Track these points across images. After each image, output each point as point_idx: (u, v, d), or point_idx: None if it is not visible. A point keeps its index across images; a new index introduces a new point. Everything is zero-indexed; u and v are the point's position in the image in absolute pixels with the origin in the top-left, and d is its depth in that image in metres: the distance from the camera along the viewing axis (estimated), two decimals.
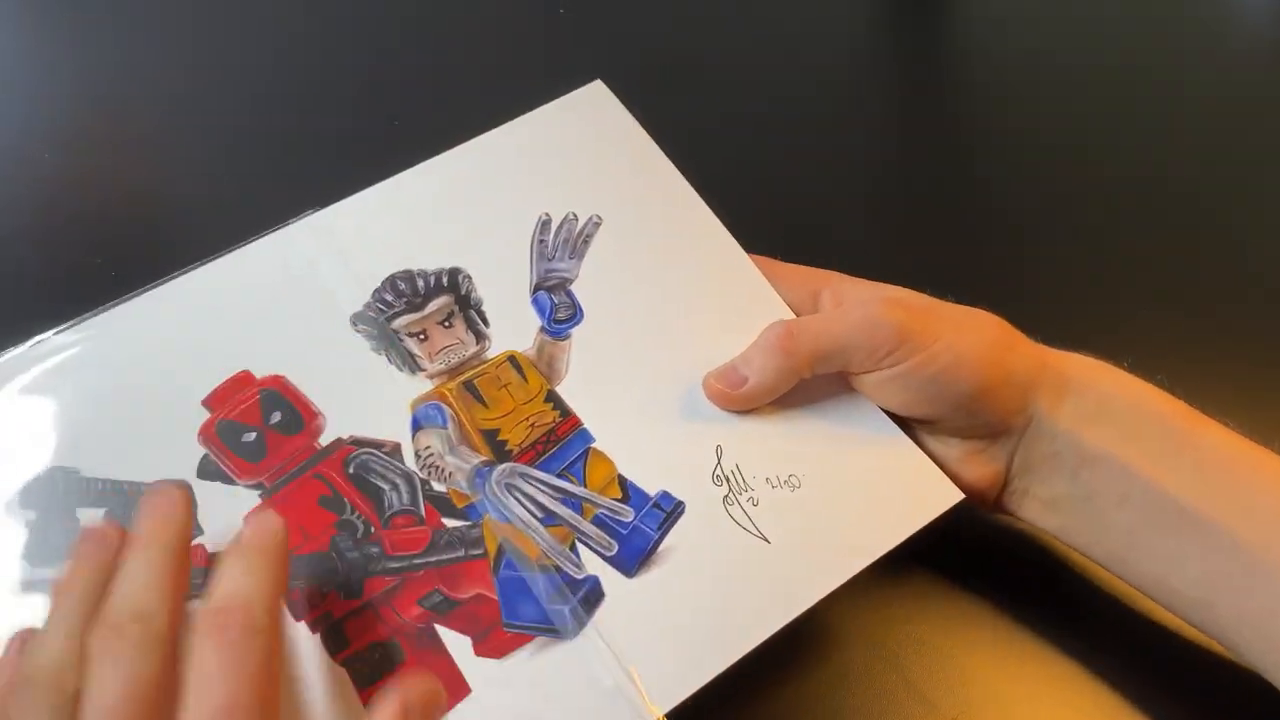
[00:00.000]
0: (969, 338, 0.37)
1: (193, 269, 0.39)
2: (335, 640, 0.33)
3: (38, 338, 0.37)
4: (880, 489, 0.37)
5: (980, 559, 0.42)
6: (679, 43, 0.63)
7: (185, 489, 0.33)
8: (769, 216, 0.54)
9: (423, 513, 0.36)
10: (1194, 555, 0.35)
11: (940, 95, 0.63)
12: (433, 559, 0.35)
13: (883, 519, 0.37)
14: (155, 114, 0.59)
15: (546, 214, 0.42)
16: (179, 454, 0.35)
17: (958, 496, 0.37)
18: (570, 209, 0.42)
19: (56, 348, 0.37)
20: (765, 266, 0.41)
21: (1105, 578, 0.40)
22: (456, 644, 0.34)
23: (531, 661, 0.33)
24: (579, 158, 0.43)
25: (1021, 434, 0.38)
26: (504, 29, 0.63)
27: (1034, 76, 0.61)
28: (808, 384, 0.38)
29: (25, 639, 0.30)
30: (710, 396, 0.38)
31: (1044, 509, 0.39)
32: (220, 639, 0.28)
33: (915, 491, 0.37)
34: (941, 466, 0.38)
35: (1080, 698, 0.39)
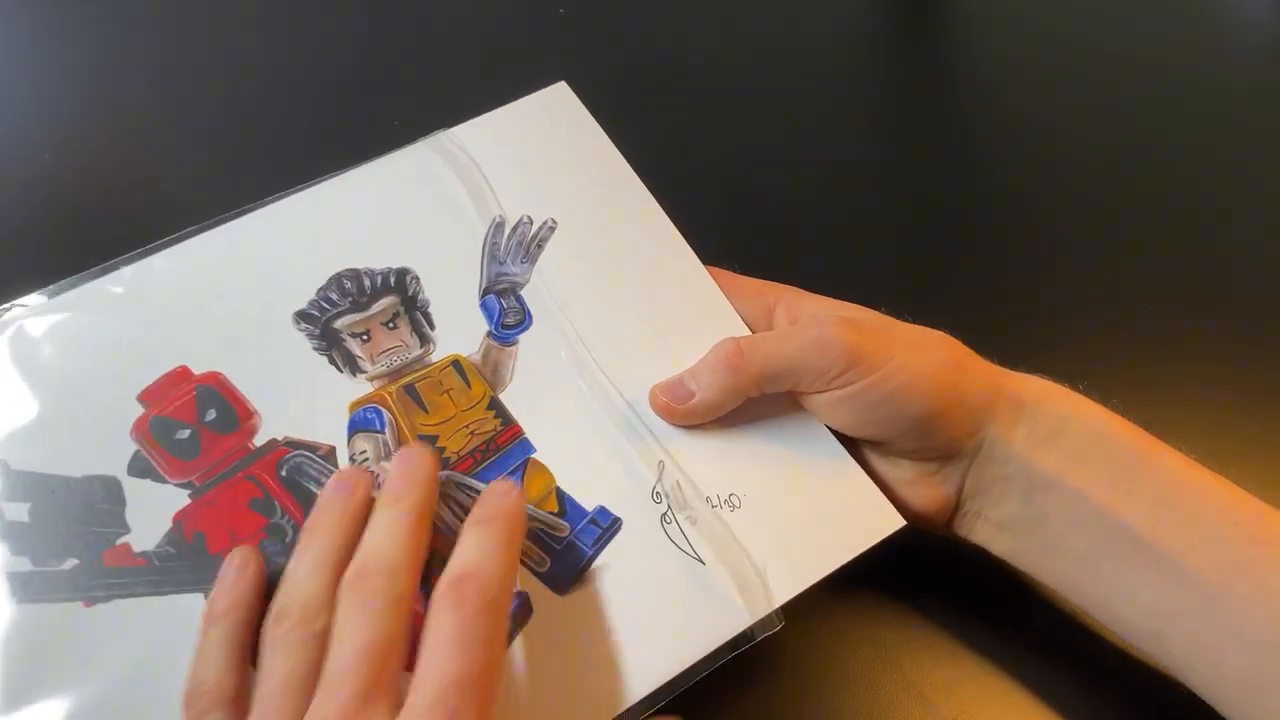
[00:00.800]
0: (922, 359, 0.36)
1: (135, 258, 0.38)
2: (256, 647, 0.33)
3: None
4: (821, 513, 0.36)
5: (981, 559, 0.41)
6: (679, 42, 0.62)
7: (435, 454, 0.35)
8: (768, 216, 0.53)
9: None
10: (1145, 583, 0.35)
11: (939, 96, 0.61)
12: None
13: (821, 544, 0.36)
14: (155, 114, 0.59)
15: (501, 216, 0.41)
16: (111, 449, 0.35)
17: (899, 523, 0.36)
18: (526, 211, 0.41)
19: None
20: (720, 279, 0.41)
21: None
22: None
23: None
24: (538, 160, 0.42)
25: (973, 457, 0.37)
26: (503, 29, 0.63)
27: (1033, 77, 0.60)
28: (756, 402, 0.38)
29: (245, 560, 0.33)
30: (655, 409, 0.38)
31: (995, 532, 0.38)
32: (459, 611, 0.29)
33: (857, 516, 0.36)
34: (892, 488, 0.37)
35: (1077, 699, 0.39)
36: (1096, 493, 0.35)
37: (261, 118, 0.58)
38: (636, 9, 0.64)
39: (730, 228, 0.51)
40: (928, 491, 0.38)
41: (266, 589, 0.32)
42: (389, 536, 0.31)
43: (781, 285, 0.40)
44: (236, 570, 0.33)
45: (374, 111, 0.57)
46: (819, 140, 0.57)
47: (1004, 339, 0.44)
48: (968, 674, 0.39)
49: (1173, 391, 0.47)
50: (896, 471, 0.38)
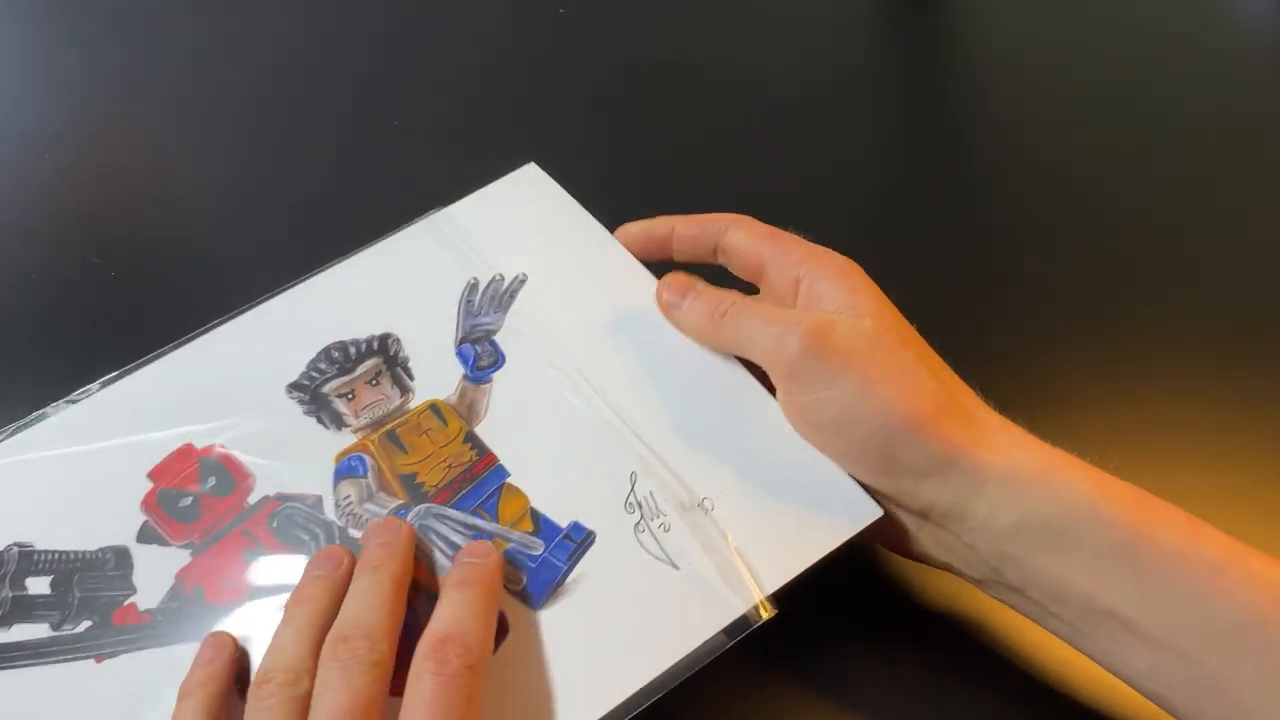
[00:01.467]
0: (865, 404, 0.34)
1: (149, 361, 0.42)
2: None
3: (10, 429, 0.41)
4: (798, 508, 0.36)
5: None
6: (678, 42, 0.63)
7: (409, 526, 0.36)
8: (766, 215, 0.52)
9: None
10: (1141, 656, 0.32)
11: (937, 97, 0.62)
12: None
13: (797, 538, 0.35)
14: (155, 114, 0.61)
15: (475, 278, 0.43)
16: (122, 522, 0.38)
17: (877, 513, 0.35)
18: (499, 271, 0.43)
19: (28, 439, 0.40)
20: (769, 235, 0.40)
21: None
22: None
23: None
24: (511, 231, 0.45)
25: (926, 516, 0.35)
26: (503, 29, 0.64)
27: (1033, 78, 0.60)
28: (725, 402, 0.38)
29: (220, 643, 0.34)
30: (656, 293, 0.41)
31: (977, 583, 0.36)
32: (441, 673, 0.30)
33: (832, 509, 0.35)
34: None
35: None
36: (1077, 578, 0.32)
37: (272, 123, 0.59)
38: (636, 9, 0.65)
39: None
40: (892, 525, 0.36)
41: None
42: (367, 603, 0.33)
43: (782, 239, 0.39)
44: (212, 650, 0.34)
45: (374, 107, 0.58)
46: (820, 140, 0.57)
47: (1003, 338, 0.43)
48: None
49: (1172, 391, 0.45)
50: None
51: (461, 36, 0.64)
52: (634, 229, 0.42)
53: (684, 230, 0.41)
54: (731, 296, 0.38)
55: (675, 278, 0.40)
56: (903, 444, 0.34)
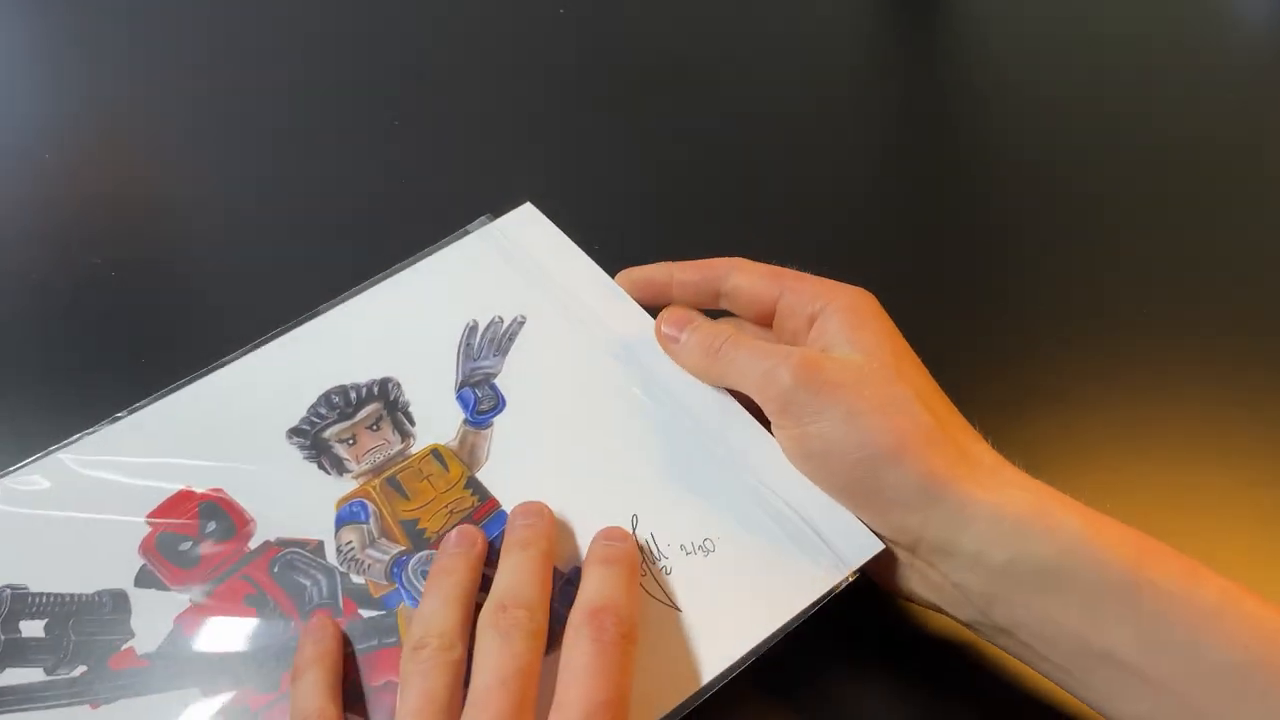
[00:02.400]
0: (851, 436, 0.34)
1: (149, 404, 0.42)
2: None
3: (8, 471, 0.40)
4: (796, 544, 0.36)
5: None
6: (678, 42, 0.63)
7: (550, 509, 0.38)
8: (766, 215, 0.54)
9: (340, 605, 0.36)
10: (1138, 700, 0.32)
11: (938, 98, 0.62)
12: (346, 649, 0.35)
13: (798, 576, 0.35)
14: (155, 114, 0.61)
15: (474, 320, 0.44)
16: (120, 566, 0.38)
17: (878, 547, 0.36)
18: (497, 314, 0.44)
19: (25, 483, 0.40)
20: (733, 264, 0.41)
21: None
22: None
23: None
24: (507, 272, 0.45)
25: (913, 550, 0.35)
26: (503, 29, 0.64)
27: (1033, 78, 0.61)
28: (724, 440, 0.39)
29: (324, 620, 0.36)
30: (655, 326, 0.41)
31: (968, 623, 0.36)
32: (600, 639, 0.32)
33: (833, 545, 0.36)
34: None
35: None
36: (1071, 619, 0.32)
37: (271, 122, 0.59)
38: (636, 9, 0.65)
39: (728, 225, 0.51)
40: (882, 560, 0.36)
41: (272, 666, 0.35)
42: (521, 576, 0.34)
43: (791, 277, 0.40)
44: (317, 629, 0.36)
45: (374, 103, 0.58)
46: (820, 140, 0.58)
47: (1005, 336, 0.43)
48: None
49: (1168, 391, 0.45)
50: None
51: (461, 37, 0.64)
52: (634, 275, 0.43)
53: (683, 277, 0.42)
54: (726, 331, 0.39)
55: (673, 312, 0.41)
56: (887, 474, 0.34)
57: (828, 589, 0.35)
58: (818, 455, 0.36)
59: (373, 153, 0.58)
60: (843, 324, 0.37)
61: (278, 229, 0.55)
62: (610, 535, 0.36)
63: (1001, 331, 0.48)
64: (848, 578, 0.35)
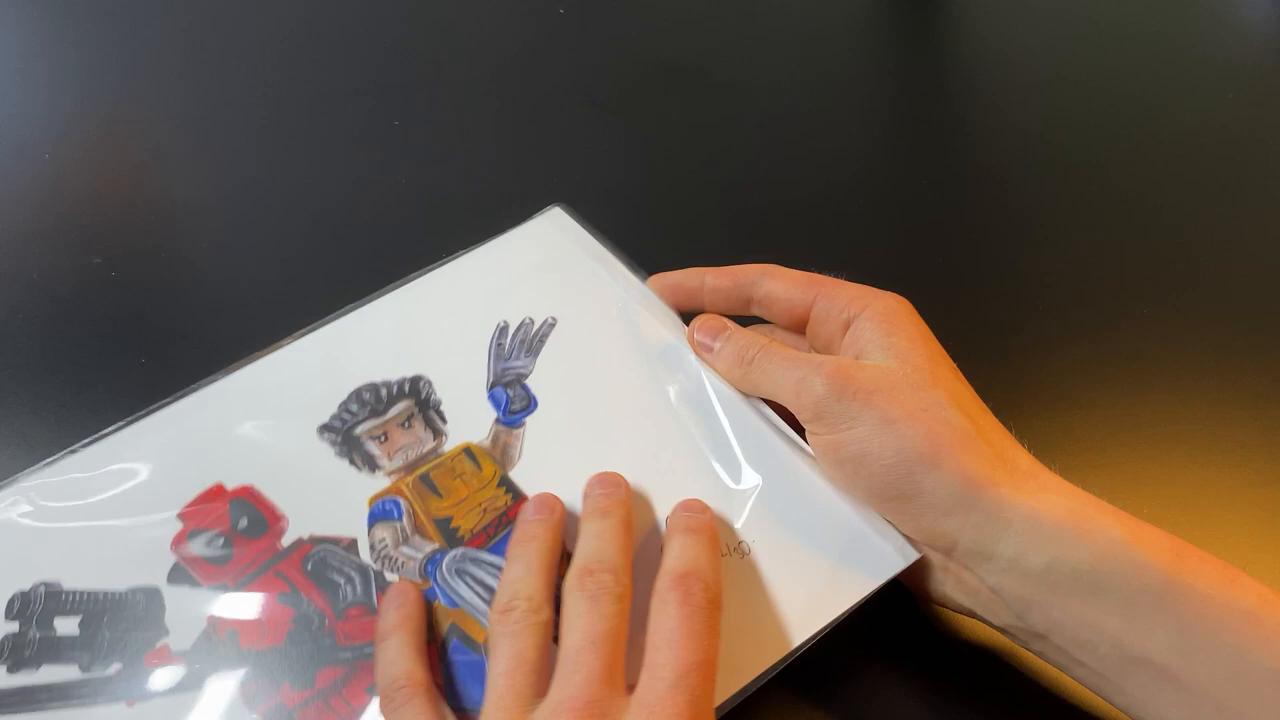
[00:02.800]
0: (886, 441, 0.34)
1: (178, 399, 0.42)
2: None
3: (28, 473, 0.40)
4: (831, 551, 0.36)
5: None
6: (678, 43, 0.63)
7: (625, 480, 0.38)
8: (766, 214, 0.54)
9: (375, 603, 0.36)
10: (1175, 707, 0.31)
11: (938, 98, 0.62)
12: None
13: (834, 582, 0.35)
14: (155, 114, 0.61)
15: (505, 321, 0.44)
16: (153, 563, 0.37)
17: (913, 556, 0.36)
18: (528, 315, 0.44)
19: (58, 478, 0.40)
20: (766, 271, 0.41)
21: None
22: None
23: None
24: (538, 275, 0.45)
25: (949, 553, 0.35)
26: (503, 29, 0.64)
27: (1033, 78, 0.61)
28: (757, 446, 0.39)
29: (407, 587, 0.36)
30: (689, 333, 0.41)
31: (1004, 629, 0.36)
32: (688, 603, 0.32)
33: (868, 553, 0.36)
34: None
35: None
36: (1109, 624, 0.32)
37: (270, 122, 0.59)
38: (636, 10, 0.65)
39: (727, 224, 0.51)
40: (918, 566, 0.36)
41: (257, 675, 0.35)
42: (605, 542, 0.35)
43: (826, 283, 0.40)
44: (399, 594, 0.36)
45: (377, 110, 0.58)
46: (821, 139, 0.58)
47: (1003, 338, 0.43)
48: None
49: (1170, 391, 0.46)
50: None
51: (461, 37, 0.64)
52: (665, 280, 0.43)
53: (715, 283, 0.42)
54: (760, 341, 0.39)
55: (706, 320, 0.41)
56: (923, 479, 0.34)
57: (863, 595, 0.35)
58: (852, 461, 0.35)
59: (372, 153, 0.58)
60: (877, 330, 0.37)
61: (277, 229, 0.55)
62: (690, 507, 0.37)
63: (1001, 331, 0.48)
64: (883, 584, 0.36)
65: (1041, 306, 0.49)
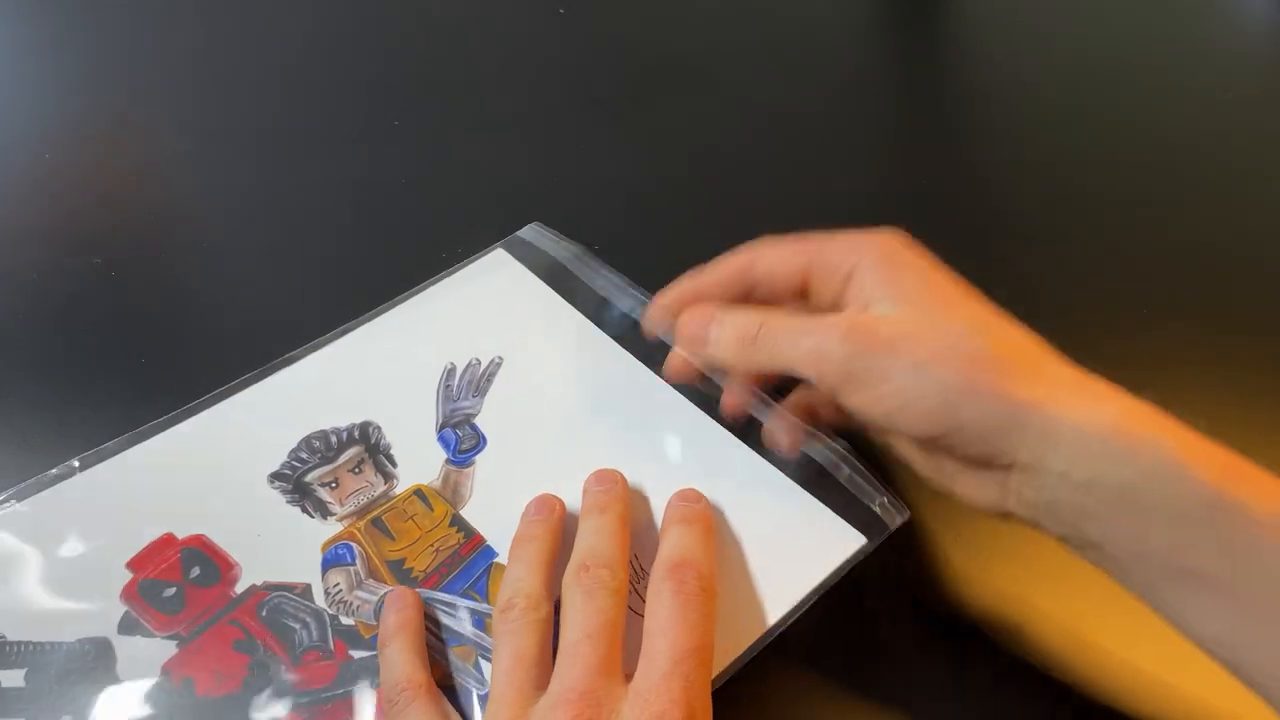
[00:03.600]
0: (922, 384, 0.34)
1: (124, 449, 0.42)
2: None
3: None
4: (779, 544, 0.38)
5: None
6: (679, 43, 0.64)
7: (623, 476, 0.40)
8: (765, 214, 0.53)
9: (331, 647, 0.37)
10: (1220, 617, 0.31)
11: (938, 98, 0.63)
12: (339, 690, 0.36)
13: (783, 574, 0.38)
14: (155, 113, 0.61)
15: (452, 363, 0.45)
16: (102, 613, 0.37)
17: (859, 542, 0.38)
18: (474, 356, 0.45)
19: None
20: (798, 243, 0.39)
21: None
22: None
23: None
24: (482, 316, 0.47)
25: (1007, 472, 0.34)
26: (503, 29, 0.65)
27: (1033, 79, 0.62)
28: (706, 461, 0.41)
29: (404, 592, 0.37)
30: (679, 338, 0.39)
31: (1058, 540, 0.35)
32: (683, 592, 0.34)
33: (816, 542, 0.38)
34: (936, 479, 0.37)
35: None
36: (1156, 538, 0.31)
37: (271, 122, 0.59)
38: (636, 10, 0.66)
39: (727, 224, 0.49)
40: (973, 490, 0.36)
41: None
42: (601, 538, 0.36)
43: (816, 241, 0.38)
44: (398, 600, 0.37)
45: (376, 105, 0.59)
46: (820, 139, 0.59)
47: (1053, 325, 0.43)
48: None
49: (1173, 390, 0.47)
50: (938, 465, 0.36)
51: (461, 37, 0.65)
52: (667, 301, 0.41)
53: (712, 280, 0.40)
54: (758, 316, 0.38)
55: (691, 314, 0.39)
56: (966, 412, 0.33)
57: (827, 572, 0.37)
58: (893, 414, 0.34)
59: (372, 154, 0.58)
60: (879, 277, 0.36)
61: (277, 229, 0.55)
62: (685, 497, 0.39)
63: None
64: (847, 560, 0.38)
65: (1041, 307, 0.49)
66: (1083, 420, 0.32)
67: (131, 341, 0.49)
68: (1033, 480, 0.33)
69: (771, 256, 0.39)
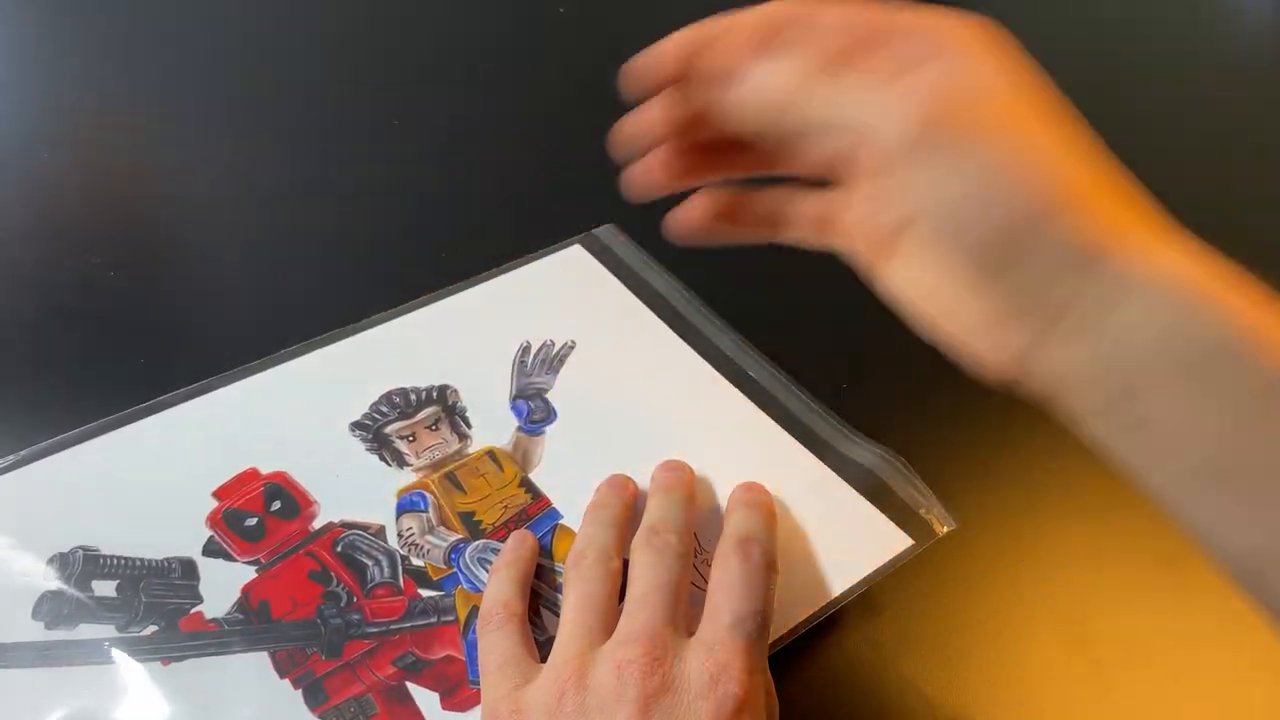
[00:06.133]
0: (993, 192, 0.28)
1: (218, 387, 0.44)
2: (315, 695, 0.36)
3: (72, 439, 0.42)
4: (831, 539, 0.40)
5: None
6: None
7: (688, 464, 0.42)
8: None
9: (401, 584, 0.39)
10: (1263, 523, 0.27)
11: None
12: (407, 624, 0.38)
13: (831, 566, 0.39)
14: (155, 113, 0.61)
15: (527, 341, 0.47)
16: (189, 535, 0.40)
17: (905, 544, 0.40)
18: (549, 338, 0.47)
19: (97, 449, 0.42)
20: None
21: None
22: (425, 700, 0.36)
23: None
24: (558, 303, 0.50)
25: (1051, 325, 0.29)
26: (503, 29, 0.65)
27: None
28: (758, 455, 0.43)
29: (525, 535, 0.40)
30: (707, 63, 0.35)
31: (1078, 420, 0.30)
32: (748, 563, 0.36)
33: (865, 540, 0.40)
34: (946, 326, 0.31)
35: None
36: (1209, 423, 0.27)
37: (271, 122, 0.59)
38: (636, 9, 0.66)
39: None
40: (993, 345, 0.30)
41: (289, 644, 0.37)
42: (671, 509, 0.39)
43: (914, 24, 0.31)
44: (519, 538, 0.40)
45: (374, 102, 0.59)
46: None
47: None
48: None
49: None
50: (958, 312, 0.30)
51: (461, 37, 0.66)
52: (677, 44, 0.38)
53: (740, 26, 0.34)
54: (788, 71, 0.31)
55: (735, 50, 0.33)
56: (1036, 239, 0.28)
57: (859, 579, 0.39)
58: (945, 230, 0.29)
59: (372, 154, 0.59)
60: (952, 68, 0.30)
61: (277, 229, 0.56)
62: (750, 487, 0.41)
63: None
64: (908, 549, 0.40)
65: None
66: (1162, 271, 0.28)
67: (131, 341, 0.49)
68: (1087, 337, 0.28)
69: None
